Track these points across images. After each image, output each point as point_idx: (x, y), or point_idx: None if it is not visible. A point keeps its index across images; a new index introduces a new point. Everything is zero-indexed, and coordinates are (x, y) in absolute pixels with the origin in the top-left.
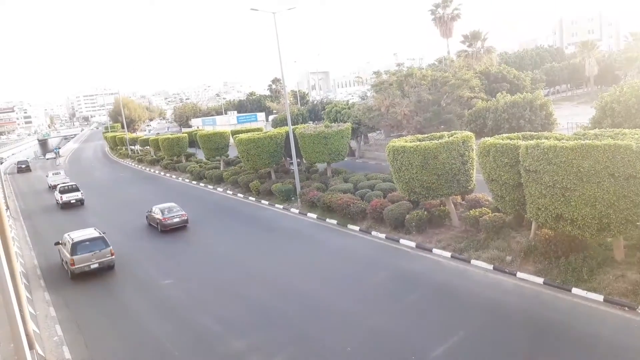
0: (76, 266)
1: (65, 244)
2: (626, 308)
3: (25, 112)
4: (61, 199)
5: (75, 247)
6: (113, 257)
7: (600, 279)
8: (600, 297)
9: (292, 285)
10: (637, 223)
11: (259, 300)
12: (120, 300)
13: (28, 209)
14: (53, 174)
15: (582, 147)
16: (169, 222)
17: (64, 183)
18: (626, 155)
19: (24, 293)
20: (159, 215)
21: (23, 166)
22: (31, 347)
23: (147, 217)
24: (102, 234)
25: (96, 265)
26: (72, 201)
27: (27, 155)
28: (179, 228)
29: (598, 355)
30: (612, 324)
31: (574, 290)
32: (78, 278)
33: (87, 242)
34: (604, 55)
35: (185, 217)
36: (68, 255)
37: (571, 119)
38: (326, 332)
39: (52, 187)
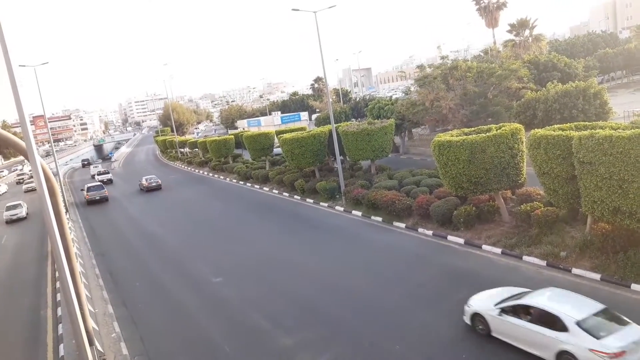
0: (88, 198)
1: (84, 189)
2: None
3: (81, 119)
4: (97, 179)
5: (88, 189)
6: (107, 194)
7: None
8: None
9: (338, 282)
10: None
11: (304, 296)
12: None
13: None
14: (93, 167)
15: None
16: (149, 185)
17: (99, 171)
18: None
19: (83, 292)
20: (144, 182)
21: (85, 162)
22: (91, 343)
23: (139, 184)
24: (102, 184)
25: (98, 198)
26: (104, 180)
27: (88, 156)
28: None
29: None
30: None
31: (634, 286)
32: (90, 204)
33: (94, 186)
34: None
35: (159, 183)
36: (85, 193)
37: (628, 107)
38: (374, 330)
39: (93, 176)
